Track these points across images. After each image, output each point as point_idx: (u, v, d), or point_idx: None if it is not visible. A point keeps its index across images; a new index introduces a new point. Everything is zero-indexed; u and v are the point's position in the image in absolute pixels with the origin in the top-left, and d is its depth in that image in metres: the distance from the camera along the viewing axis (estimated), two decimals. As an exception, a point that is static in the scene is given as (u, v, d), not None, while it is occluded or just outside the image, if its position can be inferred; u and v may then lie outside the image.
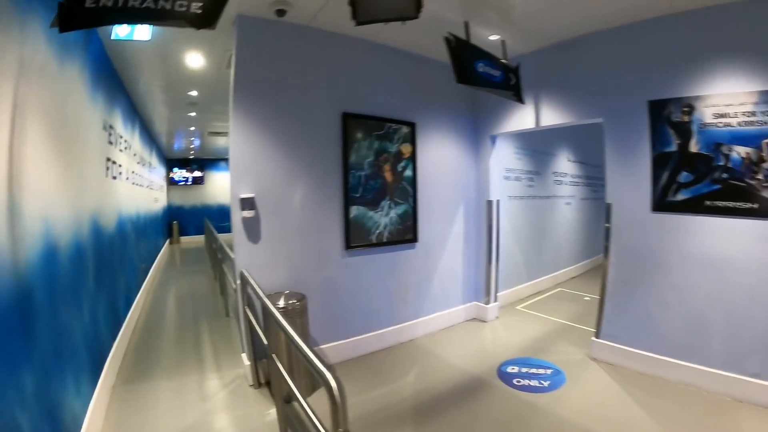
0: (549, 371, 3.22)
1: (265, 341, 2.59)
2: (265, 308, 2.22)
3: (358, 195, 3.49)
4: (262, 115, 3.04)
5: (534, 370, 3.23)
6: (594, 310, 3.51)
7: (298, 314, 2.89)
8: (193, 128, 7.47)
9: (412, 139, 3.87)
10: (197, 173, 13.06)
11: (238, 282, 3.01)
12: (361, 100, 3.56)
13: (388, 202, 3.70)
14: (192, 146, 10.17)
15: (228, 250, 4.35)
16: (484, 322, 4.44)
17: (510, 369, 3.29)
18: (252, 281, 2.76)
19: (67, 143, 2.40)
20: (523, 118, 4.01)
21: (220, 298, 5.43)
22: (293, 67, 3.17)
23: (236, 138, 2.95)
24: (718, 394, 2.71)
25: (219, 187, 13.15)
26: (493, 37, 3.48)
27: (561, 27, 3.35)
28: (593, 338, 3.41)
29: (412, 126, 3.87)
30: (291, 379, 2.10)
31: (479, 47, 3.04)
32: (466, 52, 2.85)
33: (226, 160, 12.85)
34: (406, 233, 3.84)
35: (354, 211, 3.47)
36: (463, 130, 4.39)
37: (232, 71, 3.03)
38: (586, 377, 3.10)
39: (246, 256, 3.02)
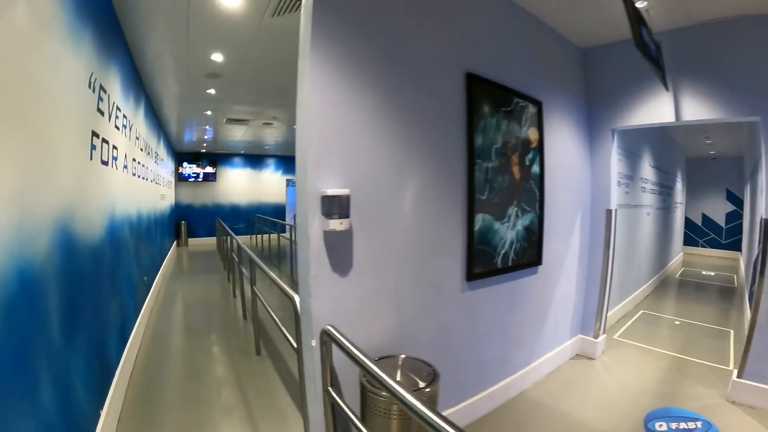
0: (699, 424, 2.27)
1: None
2: (370, 391, 1.24)
3: (483, 197, 2.14)
4: (354, 62, 1.64)
5: (684, 425, 2.28)
6: (692, 337, 3.13)
7: (428, 401, 1.52)
8: (209, 113, 5.79)
9: (539, 124, 2.55)
10: (209, 169, 10.70)
11: (313, 343, 1.61)
12: (487, 61, 2.22)
13: (515, 209, 2.36)
14: (205, 137, 8.31)
15: (263, 265, 2.90)
16: (592, 359, 3.19)
17: (659, 426, 2.24)
18: (350, 346, 1.38)
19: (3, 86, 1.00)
20: (657, 109, 2.85)
21: (243, 323, 3.96)
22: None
23: (314, 92, 1.52)
24: None
25: (233, 184, 11.19)
26: (640, 4, 2.38)
27: (719, 3, 2.40)
28: (735, 378, 2.56)
29: (538, 106, 2.56)
30: None
31: (639, 10, 2.07)
32: (634, 11, 1.89)
33: (240, 155, 11.10)
34: (530, 253, 2.51)
35: (479, 221, 2.12)
36: (578, 120, 3.11)
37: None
38: (739, 428, 2.30)
39: (329, 299, 1.61)
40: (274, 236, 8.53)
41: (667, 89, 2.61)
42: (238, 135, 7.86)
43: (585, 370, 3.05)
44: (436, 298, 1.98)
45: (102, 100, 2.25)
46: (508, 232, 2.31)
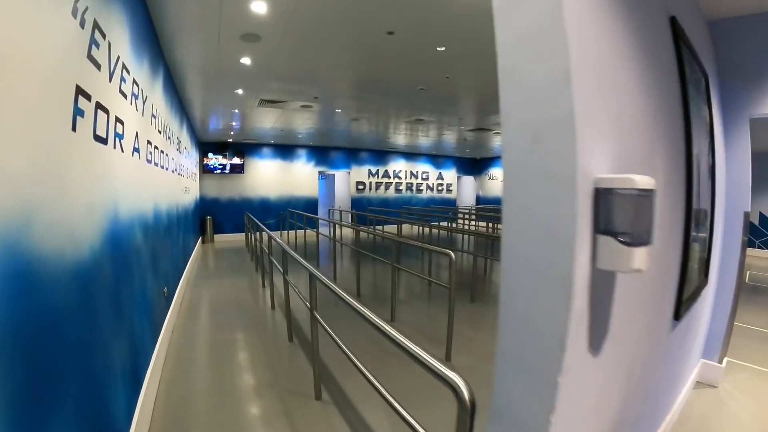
0: None
1: None
2: None
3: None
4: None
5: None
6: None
7: None
8: (240, 91, 4.77)
9: (708, 102, 1.90)
10: (236, 160, 9.66)
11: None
12: (678, 5, 1.54)
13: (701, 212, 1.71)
14: (232, 124, 7.27)
15: (363, 309, 2.14)
16: (714, 387, 2.65)
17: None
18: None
19: None
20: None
21: (289, 348, 3.18)
22: None
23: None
24: None
25: (261, 176, 10.17)
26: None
27: None
28: None
29: (706, 80, 1.90)
30: None
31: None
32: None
33: (270, 145, 10.13)
34: (702, 270, 1.87)
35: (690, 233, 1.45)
36: (715, 103, 2.48)
37: None
38: None
39: (575, 401, 0.81)
40: (301, 232, 7.70)
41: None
42: (268, 123, 6.92)
43: (713, 403, 2.51)
44: (649, 348, 1.31)
45: (97, 46, 1.45)
46: (694, 243, 1.65)
